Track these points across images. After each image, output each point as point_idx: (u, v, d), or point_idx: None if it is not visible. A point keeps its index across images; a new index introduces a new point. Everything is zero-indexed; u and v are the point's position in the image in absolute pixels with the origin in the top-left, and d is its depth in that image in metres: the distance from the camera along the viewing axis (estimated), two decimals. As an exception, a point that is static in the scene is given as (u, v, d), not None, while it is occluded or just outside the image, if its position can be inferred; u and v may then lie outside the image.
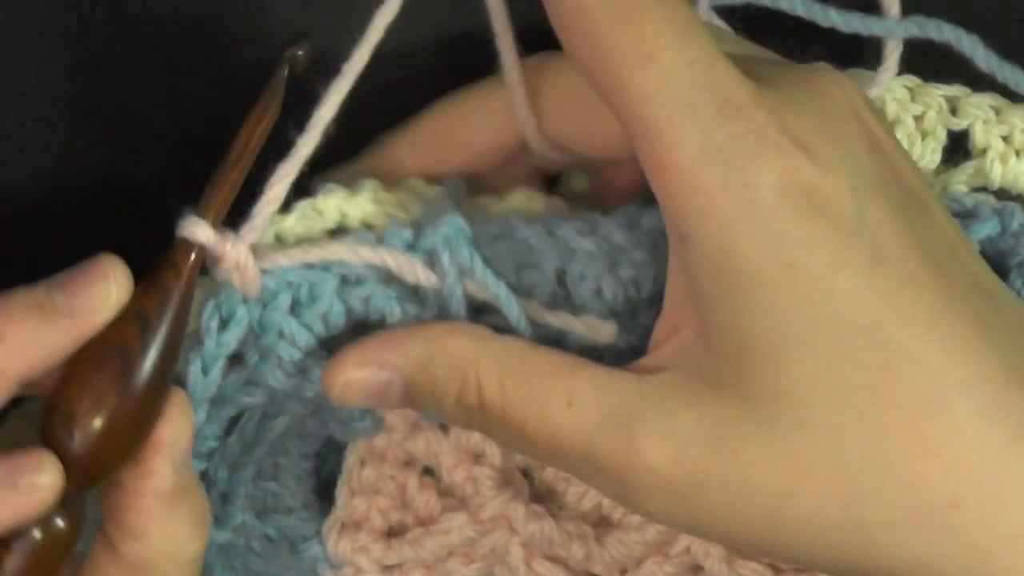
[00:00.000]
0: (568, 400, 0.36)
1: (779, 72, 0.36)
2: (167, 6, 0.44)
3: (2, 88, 0.44)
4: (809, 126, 0.34)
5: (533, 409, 0.36)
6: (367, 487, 0.45)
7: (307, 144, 0.39)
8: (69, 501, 0.37)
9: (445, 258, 0.38)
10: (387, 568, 0.45)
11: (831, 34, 0.44)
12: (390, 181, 0.41)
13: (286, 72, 0.39)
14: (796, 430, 0.34)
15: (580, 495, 0.44)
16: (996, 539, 0.33)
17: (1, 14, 0.44)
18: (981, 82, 0.44)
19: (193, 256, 0.38)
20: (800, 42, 0.43)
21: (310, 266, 0.39)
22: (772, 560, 0.42)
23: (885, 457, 0.33)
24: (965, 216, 0.41)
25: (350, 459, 0.45)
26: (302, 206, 0.40)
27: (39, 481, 0.36)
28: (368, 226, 0.41)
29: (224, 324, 0.39)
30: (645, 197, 0.37)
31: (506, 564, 0.44)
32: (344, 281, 0.39)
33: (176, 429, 0.38)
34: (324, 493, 0.46)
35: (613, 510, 0.43)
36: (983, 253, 0.39)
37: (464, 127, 0.41)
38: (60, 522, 0.37)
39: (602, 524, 0.44)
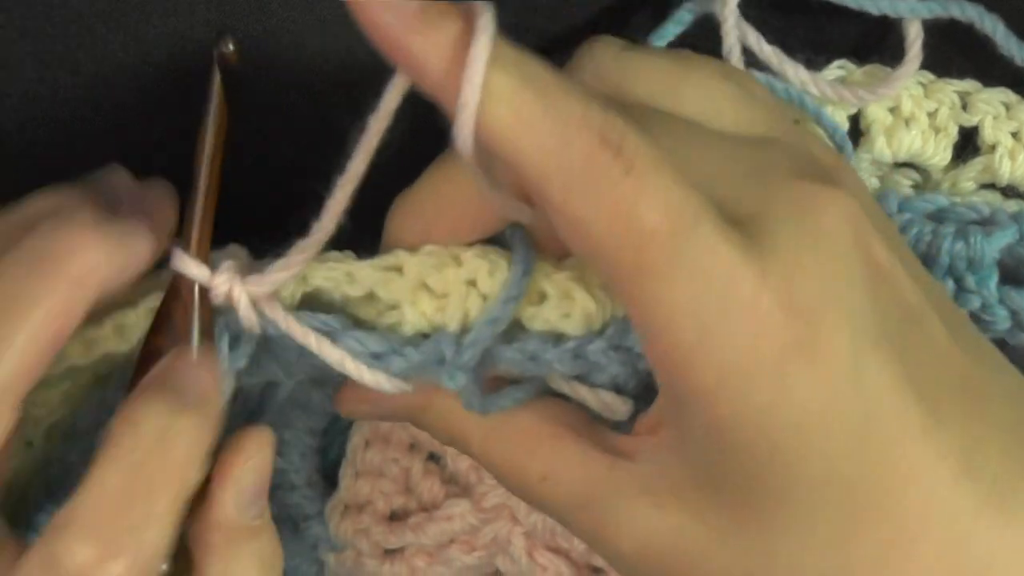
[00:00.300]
0: (543, 475, 0.36)
1: (776, 201, 0.33)
2: (167, 6, 0.44)
3: (2, 88, 0.44)
4: (812, 291, 0.32)
5: (512, 476, 0.37)
6: (371, 469, 0.46)
7: (325, 228, 0.37)
8: None
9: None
10: (388, 552, 0.45)
11: (850, 16, 0.44)
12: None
13: (218, 74, 0.37)
14: (757, 559, 0.34)
15: (582, 487, 0.44)
16: None
17: (1, 14, 0.44)
18: (990, 76, 0.44)
19: (196, 289, 0.37)
20: (818, 24, 0.44)
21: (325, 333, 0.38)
22: None
23: None
24: (983, 223, 0.40)
25: (354, 439, 0.46)
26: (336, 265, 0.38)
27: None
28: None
29: (234, 342, 0.39)
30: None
31: (508, 554, 0.45)
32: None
33: (247, 466, 0.37)
34: (330, 476, 0.46)
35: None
36: (1002, 263, 0.39)
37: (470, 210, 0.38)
38: None
39: (603, 517, 0.44)
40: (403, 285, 0.37)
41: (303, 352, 0.39)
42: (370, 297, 0.38)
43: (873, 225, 0.34)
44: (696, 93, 0.36)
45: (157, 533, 0.35)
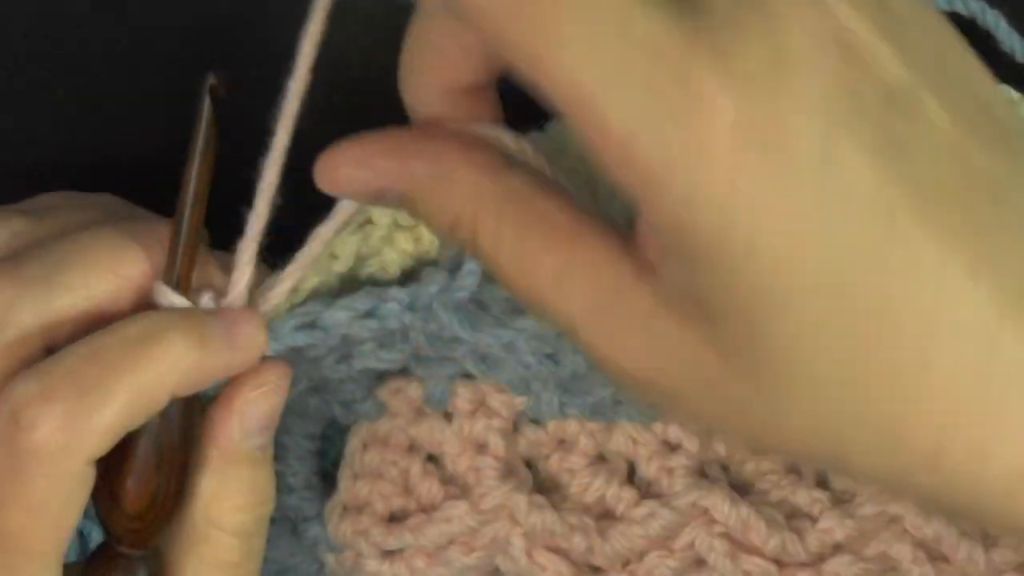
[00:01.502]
0: (559, 275, 0.33)
1: None
2: (167, 6, 0.44)
3: (2, 88, 0.44)
4: (759, 55, 0.28)
5: (522, 274, 0.34)
6: (370, 471, 0.45)
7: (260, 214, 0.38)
8: (141, 567, 0.39)
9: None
10: (387, 554, 0.45)
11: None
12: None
13: (208, 105, 0.38)
14: (775, 389, 0.31)
15: (583, 487, 0.44)
16: (982, 485, 0.31)
17: (1, 14, 0.44)
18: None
19: None
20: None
21: (310, 326, 0.39)
22: None
23: (868, 413, 0.31)
24: None
25: (352, 442, 0.46)
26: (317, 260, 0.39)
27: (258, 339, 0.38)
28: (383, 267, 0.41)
29: None
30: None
31: (508, 555, 0.44)
32: (346, 341, 0.40)
33: (258, 392, 0.38)
34: (329, 477, 0.46)
35: (616, 503, 0.43)
36: None
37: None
38: None
39: (605, 517, 0.44)
40: (378, 232, 0.39)
41: (299, 359, 0.40)
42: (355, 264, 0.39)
43: None
44: None
45: (104, 409, 0.36)
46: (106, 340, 0.37)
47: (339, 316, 0.39)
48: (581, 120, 0.29)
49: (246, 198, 0.38)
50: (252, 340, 0.38)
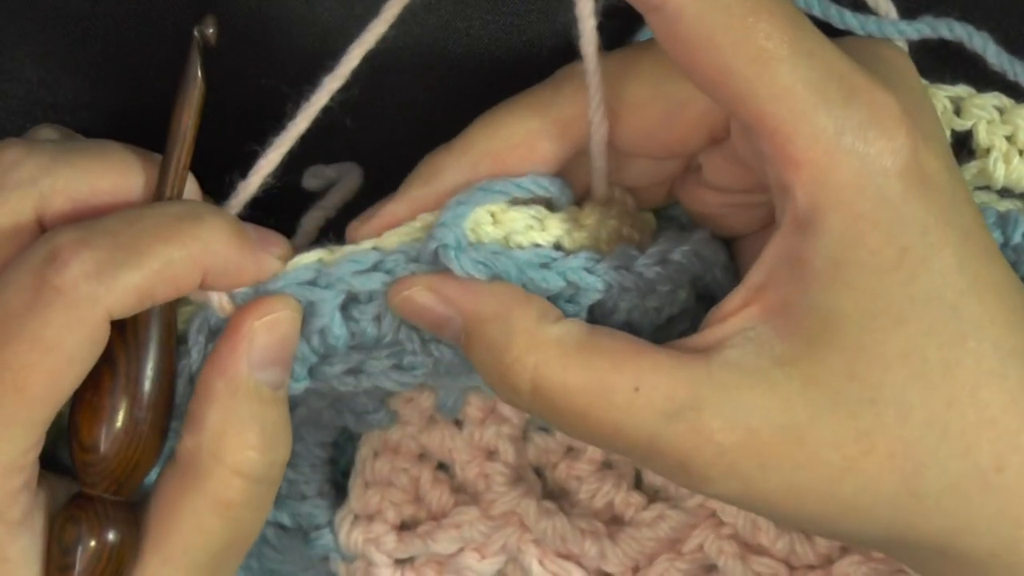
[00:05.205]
0: (635, 386, 0.35)
1: (858, 49, 0.36)
2: (167, 6, 0.43)
3: (2, 88, 0.43)
4: (910, 99, 0.35)
5: (597, 395, 0.35)
6: (381, 479, 0.45)
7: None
8: (116, 513, 0.38)
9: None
10: (399, 563, 0.45)
11: (839, 34, 0.44)
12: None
13: (198, 52, 0.38)
14: (866, 408, 0.34)
15: (592, 493, 0.44)
16: None
17: (1, 14, 0.43)
18: (983, 84, 0.45)
19: None
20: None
21: (311, 283, 0.39)
22: (814, 533, 0.42)
23: (946, 428, 0.34)
24: None
25: (363, 451, 0.45)
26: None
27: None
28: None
29: (212, 335, 0.39)
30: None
31: (519, 564, 0.44)
32: (352, 299, 0.39)
33: (264, 321, 0.38)
34: (342, 485, 0.46)
35: (625, 508, 0.44)
36: None
37: (521, 144, 0.39)
38: (111, 535, 0.38)
39: (614, 522, 0.44)
40: None
41: (304, 353, 0.39)
42: None
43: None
44: None
45: (135, 270, 0.36)
46: (150, 211, 0.37)
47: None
48: (779, 142, 0.34)
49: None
50: (280, 252, 0.39)
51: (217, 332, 0.39)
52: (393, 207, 0.40)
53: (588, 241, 0.39)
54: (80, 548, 0.37)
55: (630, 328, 0.38)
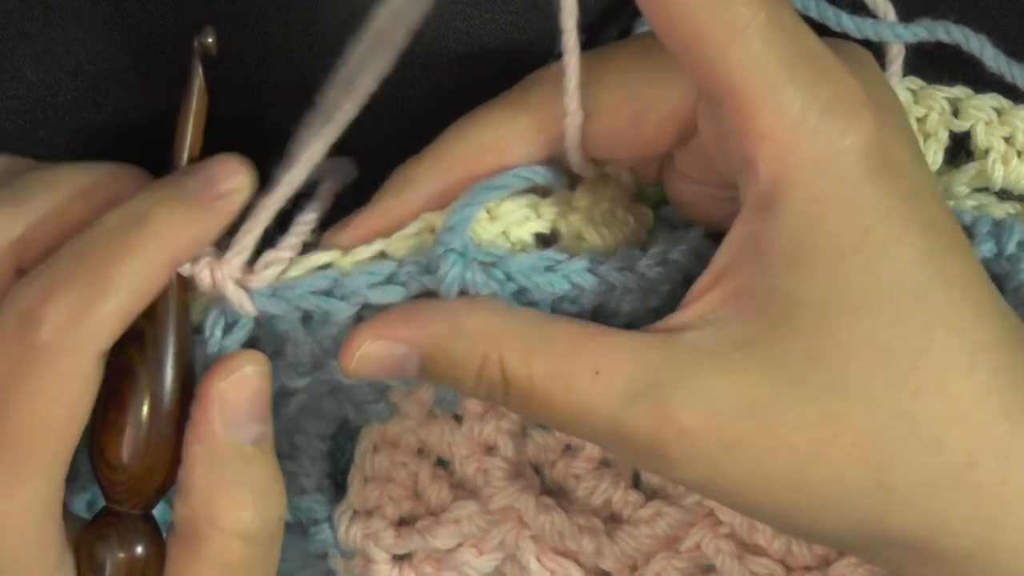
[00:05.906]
0: (595, 368, 0.36)
1: (825, 43, 0.36)
2: (167, 6, 0.43)
3: (2, 88, 0.43)
4: (874, 90, 0.35)
5: (559, 380, 0.36)
6: (380, 474, 0.45)
7: (291, 180, 0.38)
8: (139, 525, 0.38)
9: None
10: (397, 559, 0.45)
11: (832, 35, 0.44)
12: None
13: (200, 65, 0.38)
14: (830, 394, 0.34)
15: (590, 491, 0.44)
16: (1004, 499, 0.35)
17: (1, 14, 0.43)
18: (981, 85, 0.45)
19: (175, 278, 0.38)
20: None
21: (327, 293, 0.39)
22: (785, 532, 0.42)
23: (915, 420, 0.34)
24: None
25: (362, 444, 0.46)
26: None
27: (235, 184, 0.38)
28: None
29: (228, 329, 0.39)
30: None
31: (517, 561, 0.44)
32: (365, 306, 0.39)
33: (227, 385, 0.38)
34: (341, 482, 0.46)
35: (623, 507, 0.44)
36: None
37: (494, 149, 0.39)
38: (140, 549, 0.38)
39: (612, 520, 0.45)
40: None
41: (314, 350, 0.39)
42: None
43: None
44: None
45: (108, 298, 0.36)
46: (94, 233, 0.37)
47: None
48: (746, 115, 0.34)
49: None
50: (234, 184, 0.38)
51: (233, 326, 0.39)
52: (365, 218, 0.40)
53: (583, 223, 0.40)
54: (110, 564, 0.38)
55: (631, 328, 0.38)
